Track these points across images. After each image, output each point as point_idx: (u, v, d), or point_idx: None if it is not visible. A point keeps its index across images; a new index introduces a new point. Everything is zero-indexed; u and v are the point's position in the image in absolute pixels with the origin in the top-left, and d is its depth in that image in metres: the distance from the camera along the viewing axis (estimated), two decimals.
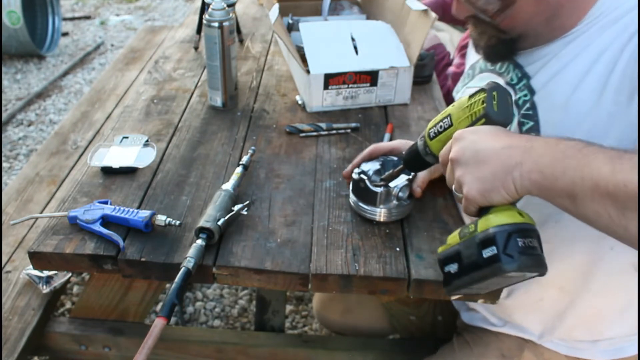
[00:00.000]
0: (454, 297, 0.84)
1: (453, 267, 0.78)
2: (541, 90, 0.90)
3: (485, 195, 0.73)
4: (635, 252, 0.84)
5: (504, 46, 0.90)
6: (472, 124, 0.80)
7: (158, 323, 0.84)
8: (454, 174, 0.77)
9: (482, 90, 0.80)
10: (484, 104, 0.78)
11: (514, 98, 0.93)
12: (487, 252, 0.72)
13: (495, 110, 0.78)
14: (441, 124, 0.85)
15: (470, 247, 0.75)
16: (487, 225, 0.73)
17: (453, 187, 0.79)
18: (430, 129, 0.87)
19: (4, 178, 2.71)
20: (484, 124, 0.78)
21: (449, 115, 0.84)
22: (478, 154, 0.73)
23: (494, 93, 0.78)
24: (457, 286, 0.79)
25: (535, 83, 0.91)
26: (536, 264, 0.72)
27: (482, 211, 0.76)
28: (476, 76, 1.03)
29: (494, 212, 0.74)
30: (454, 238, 0.80)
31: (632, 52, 0.73)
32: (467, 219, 0.91)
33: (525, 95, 0.92)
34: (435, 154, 0.86)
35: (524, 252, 0.70)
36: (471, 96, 0.81)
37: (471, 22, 0.92)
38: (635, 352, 1.00)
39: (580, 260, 0.87)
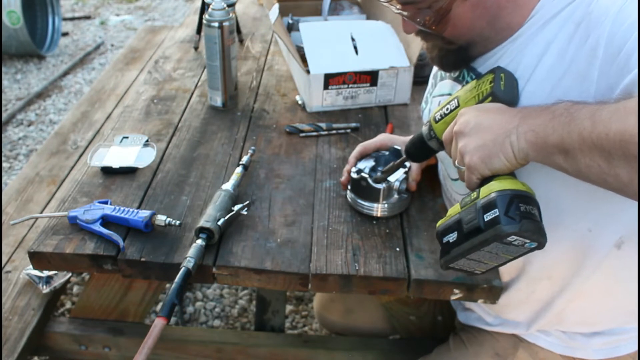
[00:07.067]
0: (450, 269, 0.82)
1: (452, 236, 0.78)
2: None
3: (485, 161, 0.75)
4: (616, 231, 0.85)
5: (454, 56, 0.92)
6: (480, 102, 0.82)
7: (158, 323, 0.84)
8: (457, 147, 0.79)
9: (490, 72, 0.84)
10: (492, 84, 0.81)
11: None
12: (489, 216, 0.73)
13: (502, 89, 0.81)
14: (448, 106, 0.88)
15: (472, 213, 0.76)
16: (489, 191, 0.75)
17: (456, 162, 0.81)
18: (436, 112, 0.90)
19: (4, 178, 2.70)
20: (490, 102, 0.81)
21: (457, 97, 0.87)
22: (480, 124, 0.76)
23: (502, 74, 0.82)
24: (455, 255, 0.78)
25: None
26: (536, 230, 0.73)
27: (484, 183, 0.78)
28: (438, 84, 1.05)
29: (496, 180, 0.76)
30: (454, 209, 0.81)
31: (609, 31, 0.72)
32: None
33: None
34: (440, 137, 0.88)
35: (525, 216, 0.72)
36: (479, 79, 0.85)
37: (421, 37, 0.94)
38: (629, 351, 1.00)
39: (564, 247, 0.88)
